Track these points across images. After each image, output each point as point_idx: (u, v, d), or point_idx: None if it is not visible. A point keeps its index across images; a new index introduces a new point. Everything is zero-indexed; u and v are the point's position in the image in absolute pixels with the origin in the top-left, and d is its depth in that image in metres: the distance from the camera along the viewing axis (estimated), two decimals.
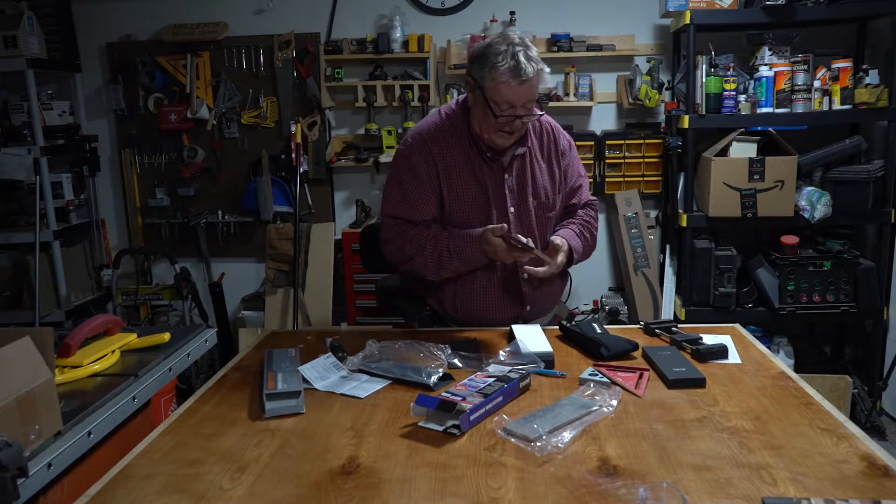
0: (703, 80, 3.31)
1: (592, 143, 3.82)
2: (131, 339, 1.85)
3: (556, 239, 1.98)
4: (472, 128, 1.93)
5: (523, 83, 1.78)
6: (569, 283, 2.23)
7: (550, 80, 3.90)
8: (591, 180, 3.85)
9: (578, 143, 3.80)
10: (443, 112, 2.01)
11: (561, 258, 1.95)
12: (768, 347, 1.86)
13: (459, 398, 1.38)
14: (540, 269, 1.92)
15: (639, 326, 1.95)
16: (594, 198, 2.19)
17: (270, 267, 4.06)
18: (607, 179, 3.86)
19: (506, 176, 1.96)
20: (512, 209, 1.97)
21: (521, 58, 1.78)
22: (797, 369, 3.21)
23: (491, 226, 1.87)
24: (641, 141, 3.79)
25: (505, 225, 1.87)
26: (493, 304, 2.01)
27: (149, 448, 1.33)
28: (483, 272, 1.98)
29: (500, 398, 1.44)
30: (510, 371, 1.54)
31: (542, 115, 1.97)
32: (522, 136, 1.94)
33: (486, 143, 1.92)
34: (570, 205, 2.12)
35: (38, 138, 3.78)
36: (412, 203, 1.97)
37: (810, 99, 3.27)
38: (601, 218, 4.02)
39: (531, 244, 1.82)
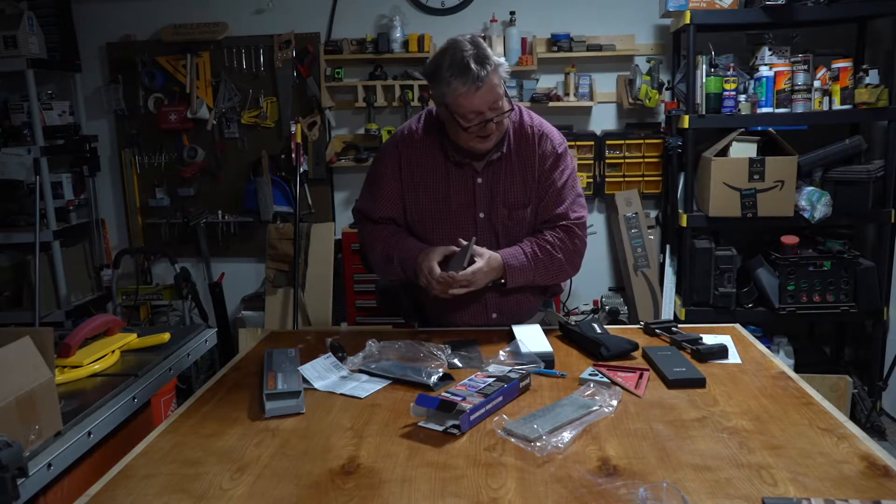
0: (703, 80, 3.31)
1: (592, 143, 3.82)
2: (131, 339, 1.85)
3: (482, 249, 1.85)
4: (449, 136, 1.89)
5: (480, 88, 1.73)
6: (554, 293, 2.14)
7: (551, 80, 3.91)
8: (591, 180, 3.85)
9: (579, 143, 3.85)
10: (423, 114, 2.00)
11: (480, 265, 1.81)
12: (768, 347, 1.86)
13: (459, 398, 1.38)
14: (462, 274, 1.79)
15: (639, 326, 1.94)
16: (579, 215, 1.95)
17: (270, 267, 4.06)
18: (607, 179, 3.86)
19: (478, 180, 1.92)
20: (481, 214, 1.93)
21: (472, 63, 1.71)
22: (797, 369, 3.21)
23: (428, 249, 1.85)
24: (641, 141, 3.79)
25: (434, 264, 1.81)
26: (457, 310, 1.98)
27: (149, 448, 1.33)
28: None
29: (500, 398, 1.44)
30: (510, 371, 1.54)
31: (511, 110, 1.84)
32: (500, 140, 1.89)
33: (466, 149, 1.88)
34: (540, 214, 1.95)
35: (38, 138, 3.78)
36: (377, 202, 1.99)
37: (810, 99, 3.27)
38: (600, 218, 4.03)
39: (465, 262, 1.76)
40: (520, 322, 1.92)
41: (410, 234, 2.00)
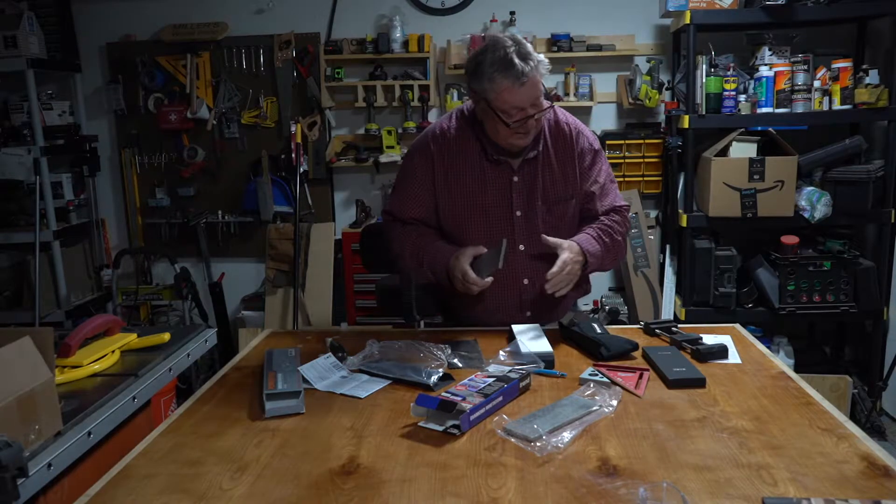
0: (703, 80, 3.31)
1: None
2: (131, 339, 1.84)
3: (557, 240, 1.87)
4: (487, 133, 1.90)
5: (524, 84, 1.75)
6: (586, 291, 2.13)
7: (550, 80, 3.90)
8: None
9: None
10: (455, 113, 1.99)
11: (566, 255, 1.83)
12: (768, 347, 1.86)
13: (459, 398, 1.37)
14: (552, 272, 1.81)
15: (639, 326, 1.94)
16: (624, 203, 2.05)
17: (270, 267, 4.06)
18: None
19: (514, 178, 1.92)
20: (518, 212, 1.93)
21: (516, 59, 1.73)
22: (797, 369, 3.21)
23: (458, 253, 1.85)
24: (641, 141, 3.79)
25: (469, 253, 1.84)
26: (491, 309, 1.98)
27: (149, 448, 1.33)
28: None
29: (500, 398, 1.44)
30: (510, 371, 1.54)
31: (551, 105, 1.88)
32: (535, 138, 1.90)
33: (503, 147, 1.89)
34: (588, 209, 2.00)
35: (38, 138, 3.79)
36: (403, 201, 2.00)
37: (810, 99, 3.27)
38: None
39: (500, 259, 1.77)
40: (552, 321, 1.92)
41: (442, 235, 1.99)
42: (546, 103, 1.84)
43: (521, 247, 1.94)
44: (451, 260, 1.87)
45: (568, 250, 1.85)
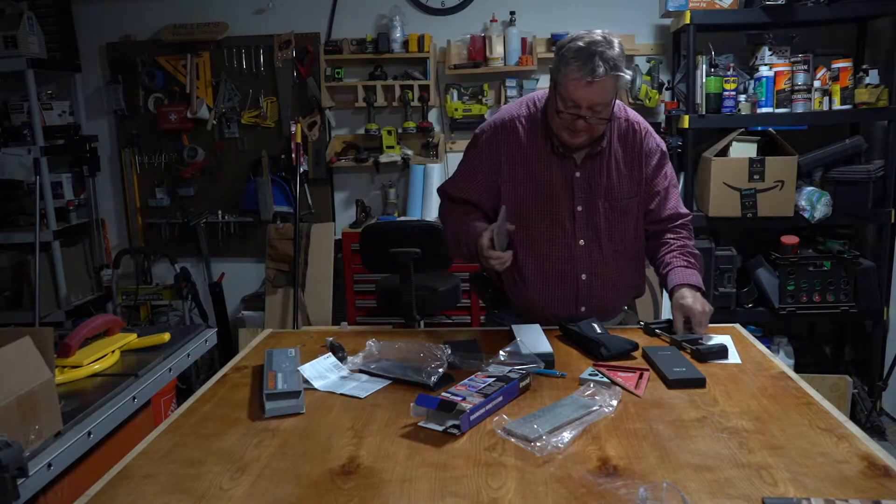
0: (703, 80, 3.31)
1: None
2: (131, 339, 1.85)
3: (680, 298, 1.84)
4: (547, 116, 1.88)
5: (591, 84, 1.71)
6: (640, 292, 2.13)
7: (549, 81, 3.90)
8: None
9: None
10: (526, 101, 1.97)
11: (694, 307, 1.80)
12: (768, 347, 1.86)
13: (459, 398, 1.37)
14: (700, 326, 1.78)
15: (638, 326, 1.94)
16: (687, 211, 2.02)
17: (270, 267, 4.06)
18: None
19: (576, 174, 1.90)
20: (579, 207, 1.91)
21: (597, 58, 1.69)
22: (797, 369, 3.21)
23: (486, 229, 1.84)
24: None
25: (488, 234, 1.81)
26: (544, 299, 1.96)
27: (149, 448, 1.33)
28: (533, 266, 1.94)
29: (500, 398, 1.44)
30: (510, 371, 1.54)
31: (607, 120, 1.83)
32: (598, 138, 1.87)
33: (557, 139, 1.87)
34: (652, 213, 1.98)
35: (38, 138, 3.79)
36: (458, 182, 2.01)
37: (810, 99, 3.27)
38: None
39: (499, 237, 1.77)
40: (603, 318, 1.91)
41: (485, 217, 1.98)
42: (606, 114, 1.80)
43: (581, 241, 1.92)
44: (479, 239, 1.85)
45: (693, 300, 1.82)
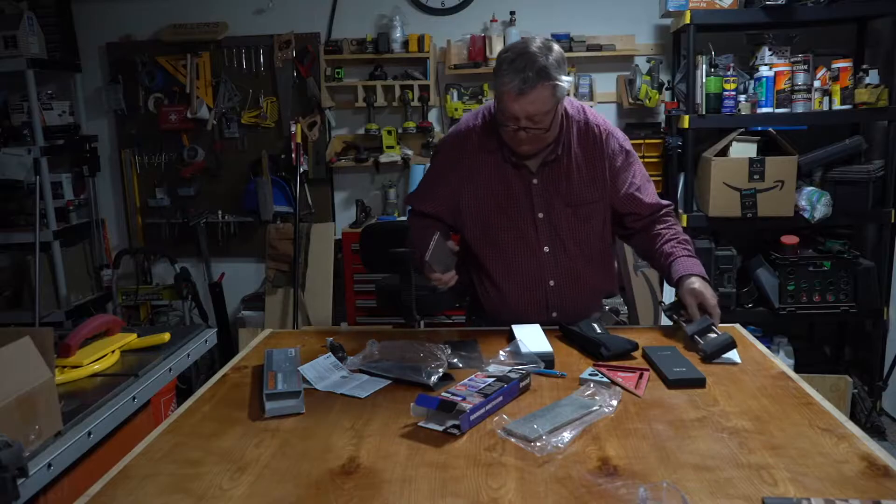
0: (703, 80, 3.31)
1: None
2: (131, 339, 1.85)
3: (688, 286, 1.81)
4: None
5: (523, 95, 1.68)
6: (610, 292, 2.13)
7: None
8: None
9: None
10: (482, 111, 1.97)
11: (704, 294, 1.78)
12: (768, 347, 1.85)
13: (459, 398, 1.37)
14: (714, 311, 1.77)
15: (662, 307, 1.94)
16: (666, 202, 2.00)
17: (270, 267, 4.06)
18: None
19: (534, 181, 1.89)
20: (540, 214, 1.91)
21: (527, 69, 1.66)
22: (797, 369, 3.21)
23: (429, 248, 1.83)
24: (641, 141, 3.79)
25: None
26: (514, 307, 1.96)
27: (149, 448, 1.33)
28: (502, 274, 1.95)
29: (500, 398, 1.44)
30: (510, 371, 1.54)
31: (548, 131, 1.79)
32: (556, 140, 1.85)
33: (508, 148, 1.87)
34: (634, 213, 1.96)
35: (38, 138, 3.79)
36: (422, 195, 2.02)
37: (810, 99, 3.27)
38: None
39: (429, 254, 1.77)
40: (577, 322, 1.90)
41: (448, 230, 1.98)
42: (546, 124, 1.75)
43: (546, 248, 1.92)
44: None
45: (702, 288, 1.80)
